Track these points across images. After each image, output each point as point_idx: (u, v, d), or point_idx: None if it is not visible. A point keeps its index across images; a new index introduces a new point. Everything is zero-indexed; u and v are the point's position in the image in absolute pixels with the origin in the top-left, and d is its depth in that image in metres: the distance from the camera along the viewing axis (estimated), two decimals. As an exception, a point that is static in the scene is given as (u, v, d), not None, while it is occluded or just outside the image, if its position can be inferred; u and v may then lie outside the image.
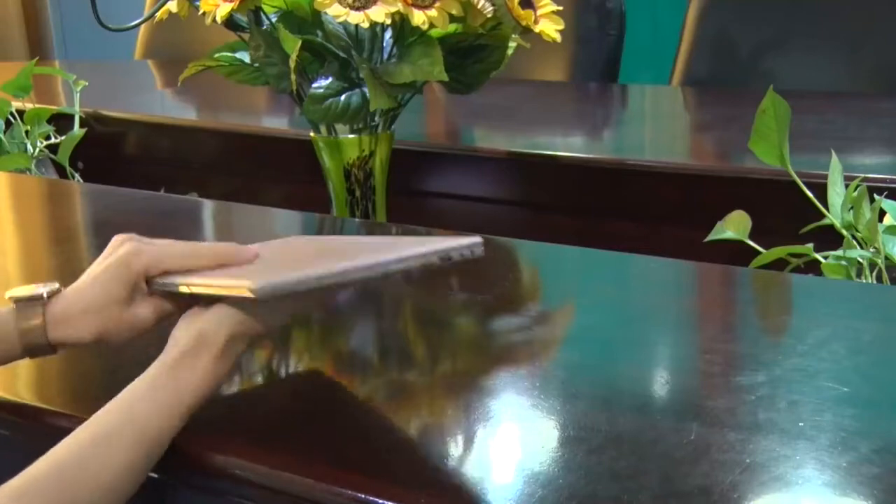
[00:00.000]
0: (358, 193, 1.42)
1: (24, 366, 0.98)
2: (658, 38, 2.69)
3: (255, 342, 0.82)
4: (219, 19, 1.33)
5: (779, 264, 1.14)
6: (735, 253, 1.15)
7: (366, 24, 1.26)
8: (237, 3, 1.31)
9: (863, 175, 1.18)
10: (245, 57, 1.43)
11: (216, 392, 0.79)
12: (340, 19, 1.27)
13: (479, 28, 1.35)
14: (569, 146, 1.78)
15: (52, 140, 1.79)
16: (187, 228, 1.39)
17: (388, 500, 0.71)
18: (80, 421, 0.76)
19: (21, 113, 1.80)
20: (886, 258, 1.09)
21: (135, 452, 0.74)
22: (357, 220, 1.43)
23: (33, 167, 1.77)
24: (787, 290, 1.11)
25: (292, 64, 1.28)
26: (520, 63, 1.59)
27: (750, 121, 1.15)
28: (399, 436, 0.81)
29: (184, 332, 0.78)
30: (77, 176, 1.78)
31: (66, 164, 1.74)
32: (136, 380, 0.76)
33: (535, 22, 1.34)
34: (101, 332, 0.82)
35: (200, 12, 1.37)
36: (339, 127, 1.40)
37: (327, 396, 0.89)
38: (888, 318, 1.01)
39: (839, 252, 1.11)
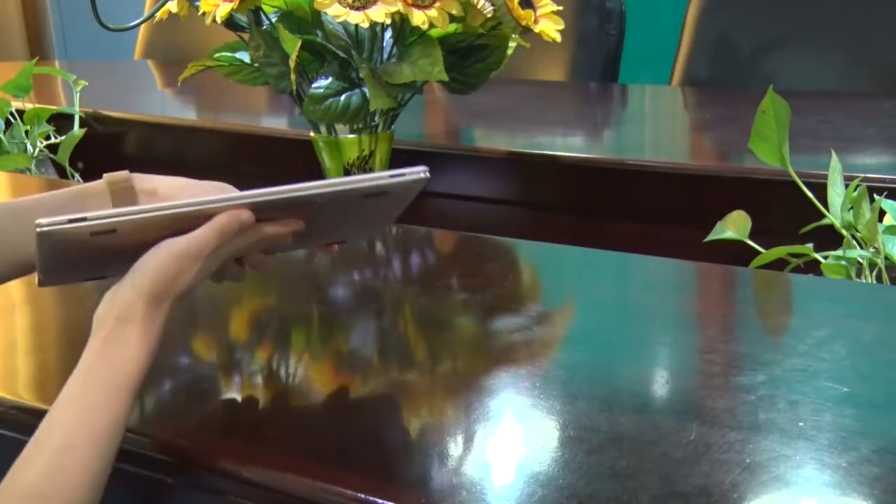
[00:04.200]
0: (358, 193, 1.42)
1: (25, 366, 0.98)
2: (658, 38, 2.69)
3: (183, 296, 0.80)
4: (219, 19, 1.33)
5: (779, 264, 1.14)
6: (735, 253, 1.15)
7: (366, 24, 1.26)
8: (237, 3, 1.31)
9: (862, 175, 1.18)
10: (245, 57, 1.43)
11: (157, 355, 0.78)
12: (340, 19, 1.27)
13: (478, 28, 1.35)
14: (569, 146, 1.78)
15: (52, 140, 1.79)
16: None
17: (388, 500, 0.71)
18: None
19: (21, 113, 1.80)
20: (886, 258, 1.09)
21: (94, 450, 0.73)
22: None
23: (33, 167, 1.77)
24: (787, 290, 1.11)
25: (292, 64, 1.28)
26: (520, 63, 1.59)
27: (750, 121, 1.15)
28: (399, 436, 0.81)
29: (104, 311, 0.78)
30: (77, 176, 1.78)
31: (66, 164, 1.74)
32: (71, 379, 0.75)
33: (535, 22, 1.34)
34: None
35: (200, 12, 1.37)
36: (338, 127, 1.40)
37: (327, 397, 0.89)
38: (888, 318, 1.01)
39: (839, 252, 1.11)
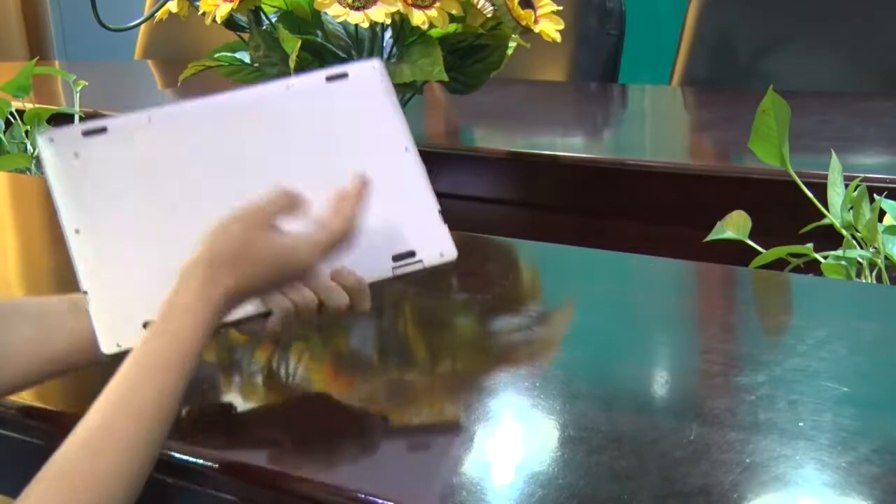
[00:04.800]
0: (358, 193, 1.42)
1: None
2: (658, 38, 2.69)
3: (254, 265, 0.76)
4: (219, 19, 1.33)
5: (779, 264, 1.14)
6: (735, 253, 1.15)
7: (365, 24, 1.27)
8: (237, 2, 1.31)
9: (862, 175, 1.17)
10: (245, 57, 1.43)
11: (222, 319, 0.75)
12: (340, 19, 1.27)
13: (478, 28, 1.35)
14: (569, 146, 1.78)
15: (52, 140, 1.79)
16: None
17: (388, 500, 0.71)
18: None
19: (21, 113, 1.79)
20: (886, 258, 1.09)
21: (136, 424, 0.70)
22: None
23: (33, 167, 1.77)
24: (787, 290, 1.11)
25: (292, 64, 1.28)
26: (520, 63, 1.59)
27: (750, 121, 1.15)
28: (399, 436, 0.81)
29: (175, 282, 0.75)
30: (77, 176, 1.77)
31: (66, 164, 1.73)
32: (129, 354, 0.73)
33: (535, 22, 1.34)
34: None
35: (200, 12, 1.37)
36: (339, 127, 1.40)
37: (327, 396, 0.89)
38: (888, 318, 1.01)
39: (839, 252, 1.11)
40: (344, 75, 0.85)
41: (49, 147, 0.80)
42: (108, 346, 0.79)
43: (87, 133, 0.81)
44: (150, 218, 0.83)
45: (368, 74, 0.86)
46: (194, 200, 0.83)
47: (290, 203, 0.77)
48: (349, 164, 0.83)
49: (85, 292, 0.80)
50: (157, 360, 0.72)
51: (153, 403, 0.71)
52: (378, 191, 0.83)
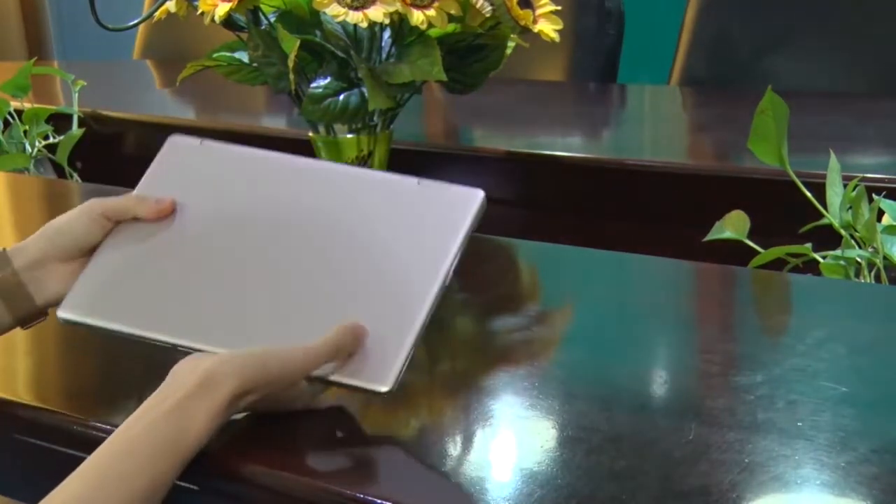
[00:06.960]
0: (357, 193, 1.42)
1: (24, 366, 0.98)
2: (657, 38, 2.69)
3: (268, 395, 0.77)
4: (217, 19, 1.33)
5: (777, 264, 1.14)
6: (734, 253, 1.15)
7: (364, 24, 1.26)
8: (235, 2, 1.31)
9: (861, 175, 1.18)
10: (244, 57, 1.42)
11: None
12: (339, 19, 1.27)
13: (477, 28, 1.35)
14: (569, 146, 1.78)
15: (51, 140, 1.79)
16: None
17: (388, 500, 0.71)
18: (78, 421, 0.75)
19: (19, 113, 1.79)
20: (885, 258, 1.09)
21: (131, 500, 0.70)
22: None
23: (32, 167, 1.77)
24: (786, 290, 1.11)
25: (291, 64, 1.28)
26: (519, 63, 1.59)
27: (749, 121, 1.15)
28: (399, 436, 0.81)
29: (189, 372, 0.73)
30: (76, 176, 1.78)
31: (65, 164, 1.74)
32: (132, 419, 0.72)
33: (534, 22, 1.34)
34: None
35: (199, 12, 1.36)
36: (337, 127, 1.40)
37: (326, 396, 0.89)
38: (887, 318, 1.01)
39: (838, 252, 1.11)
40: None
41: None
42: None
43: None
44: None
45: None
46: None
47: (334, 355, 0.78)
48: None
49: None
50: (161, 448, 0.71)
51: (144, 489, 0.70)
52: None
